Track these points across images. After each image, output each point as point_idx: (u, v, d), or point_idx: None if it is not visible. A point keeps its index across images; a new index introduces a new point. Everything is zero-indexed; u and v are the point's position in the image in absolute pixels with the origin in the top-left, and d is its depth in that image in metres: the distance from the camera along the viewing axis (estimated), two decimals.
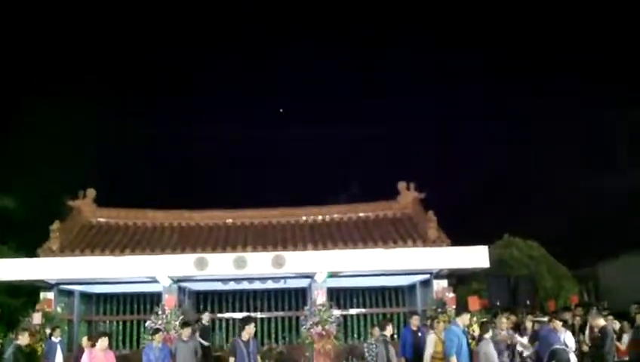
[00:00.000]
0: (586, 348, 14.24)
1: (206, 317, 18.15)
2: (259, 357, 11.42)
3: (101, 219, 21.55)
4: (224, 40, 51.75)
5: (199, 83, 50.52)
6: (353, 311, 21.92)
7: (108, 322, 21.75)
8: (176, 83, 49.14)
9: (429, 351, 13.04)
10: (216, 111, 48.34)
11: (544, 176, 37.94)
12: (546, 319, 14.98)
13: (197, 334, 16.90)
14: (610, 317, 15.52)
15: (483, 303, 19.12)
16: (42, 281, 17.80)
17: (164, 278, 17.69)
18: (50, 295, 18.08)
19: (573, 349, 13.82)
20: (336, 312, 17.83)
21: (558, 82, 40.75)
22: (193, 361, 13.65)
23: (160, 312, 16.94)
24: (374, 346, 13.42)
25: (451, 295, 17.38)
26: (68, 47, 44.15)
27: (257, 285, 20.77)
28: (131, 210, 21.96)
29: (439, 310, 16.83)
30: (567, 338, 13.83)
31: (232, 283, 20.19)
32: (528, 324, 15.75)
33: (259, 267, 17.40)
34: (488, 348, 11.41)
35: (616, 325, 15.08)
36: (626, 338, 14.94)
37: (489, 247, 18.05)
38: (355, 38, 51.31)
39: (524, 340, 14.75)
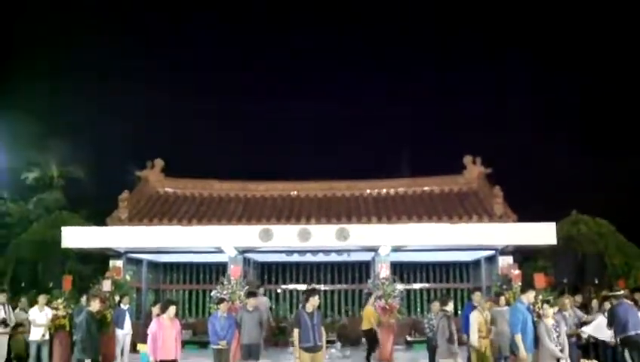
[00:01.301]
0: None
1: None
2: (322, 329, 11.45)
3: (168, 189, 21.92)
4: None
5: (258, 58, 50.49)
6: (417, 286, 21.91)
7: (174, 290, 22.22)
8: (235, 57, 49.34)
9: (474, 331, 12.70)
10: (281, 86, 48.31)
11: (615, 150, 36.91)
12: (621, 292, 14.59)
13: None
14: None
15: (549, 280, 18.78)
16: (111, 249, 18.23)
17: (230, 249, 17.91)
18: (119, 263, 18.48)
19: None
20: (400, 286, 17.77)
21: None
22: (258, 331, 13.75)
23: (225, 282, 17.15)
24: (434, 321, 13.28)
25: (517, 271, 17.12)
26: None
27: (321, 257, 20.86)
28: (198, 181, 22.28)
29: (504, 286, 16.61)
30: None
31: (296, 254, 20.32)
32: (594, 303, 15.45)
33: (323, 239, 17.42)
34: (541, 327, 11.22)
35: None
36: None
37: (556, 224, 17.71)
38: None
39: (590, 330, 14.36)
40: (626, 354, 12.97)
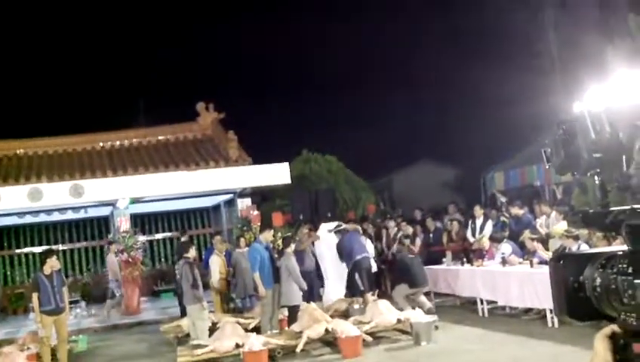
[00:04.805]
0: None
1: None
2: (64, 290, 11.12)
3: None
4: None
5: None
6: (159, 236, 21.87)
7: None
8: None
9: (215, 273, 13.19)
10: None
11: (342, 91, 39.00)
12: (345, 226, 15.65)
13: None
14: (404, 223, 16.58)
15: (287, 218, 19.66)
16: None
17: None
18: None
19: (373, 255, 14.62)
20: (142, 238, 17.67)
21: None
22: None
23: None
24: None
25: (255, 212, 17.71)
26: None
27: (56, 216, 20.08)
28: None
29: (244, 228, 17.11)
30: (367, 246, 14.59)
31: (28, 216, 19.37)
32: None
33: (56, 198, 16.72)
34: (289, 261, 11.80)
35: (409, 229, 16.11)
36: (418, 241, 16.05)
37: (289, 164, 18.48)
38: None
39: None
40: (356, 276, 14.02)
